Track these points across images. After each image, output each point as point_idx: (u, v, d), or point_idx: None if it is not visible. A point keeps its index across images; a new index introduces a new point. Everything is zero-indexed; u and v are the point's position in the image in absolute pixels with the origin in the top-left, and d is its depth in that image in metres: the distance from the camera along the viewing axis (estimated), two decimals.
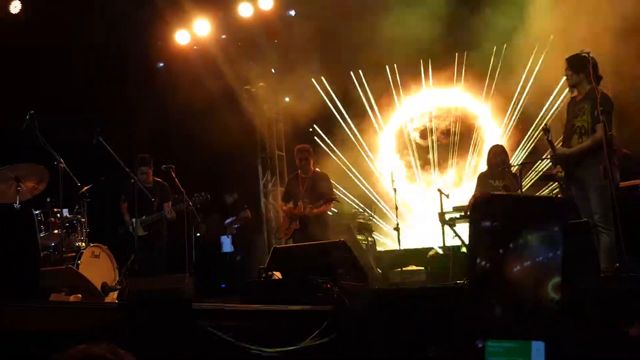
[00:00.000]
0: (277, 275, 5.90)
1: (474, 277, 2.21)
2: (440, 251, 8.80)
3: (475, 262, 2.21)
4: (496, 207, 2.22)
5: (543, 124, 7.68)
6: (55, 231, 7.70)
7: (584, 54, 6.35)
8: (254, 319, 4.75)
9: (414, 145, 11.66)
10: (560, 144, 6.66)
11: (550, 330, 2.16)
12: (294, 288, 5.39)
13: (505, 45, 10.44)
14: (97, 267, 7.56)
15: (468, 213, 7.96)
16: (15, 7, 9.85)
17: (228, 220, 10.60)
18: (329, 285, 5.29)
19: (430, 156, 11.50)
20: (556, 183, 7.35)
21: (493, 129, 11.17)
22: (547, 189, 9.28)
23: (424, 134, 11.63)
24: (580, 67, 6.39)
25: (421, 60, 11.41)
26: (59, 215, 7.69)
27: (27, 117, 7.24)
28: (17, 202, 7.43)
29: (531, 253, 2.21)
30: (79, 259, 7.37)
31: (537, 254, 2.20)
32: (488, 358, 2.12)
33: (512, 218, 2.23)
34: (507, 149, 8.98)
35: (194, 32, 11.27)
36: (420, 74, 11.50)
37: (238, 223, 10.56)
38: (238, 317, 4.67)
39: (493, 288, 2.20)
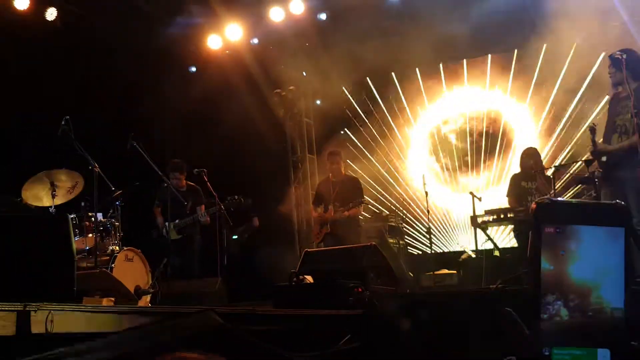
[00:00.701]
0: (308, 279, 5.90)
1: (537, 283, 2.20)
2: (473, 255, 8.76)
3: (539, 268, 2.21)
4: (558, 213, 2.22)
5: (589, 123, 7.60)
6: (90, 235, 7.80)
7: (618, 54, 6.27)
8: (284, 323, 4.76)
9: (447, 147, 11.58)
10: (601, 140, 6.56)
11: (615, 337, 2.17)
12: (325, 292, 5.38)
13: (545, 46, 10.35)
14: (130, 270, 7.64)
15: (502, 216, 7.92)
16: (51, 15, 10.00)
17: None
18: (360, 289, 5.27)
19: (463, 158, 11.41)
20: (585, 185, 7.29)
21: (528, 130, 11.05)
22: (572, 191, 9.15)
23: (457, 135, 11.55)
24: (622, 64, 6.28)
25: (453, 62, 11.37)
26: (93, 219, 7.79)
27: (63, 122, 7.35)
28: (53, 207, 7.57)
29: (594, 258, 2.21)
30: (113, 263, 7.44)
31: (601, 259, 2.21)
32: None
33: (575, 223, 2.24)
34: (542, 150, 8.91)
35: (225, 36, 11.35)
36: (454, 75, 11.45)
37: (246, 233, 10.57)
38: (269, 321, 4.69)
39: (557, 293, 2.20)
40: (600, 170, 6.54)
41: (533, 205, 2.17)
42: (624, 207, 2.22)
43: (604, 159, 6.45)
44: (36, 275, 3.81)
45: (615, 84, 6.53)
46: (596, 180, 6.68)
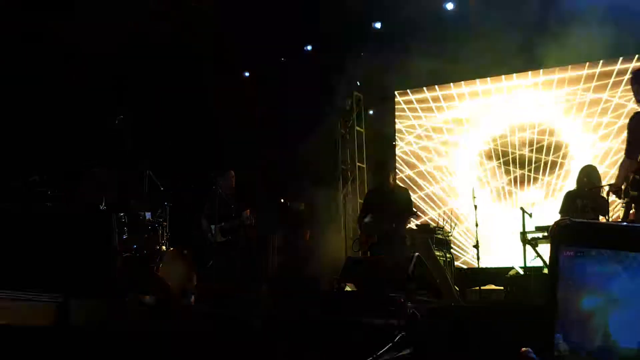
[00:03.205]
0: (350, 286, 5.86)
1: (551, 307, 2.07)
2: (521, 271, 8.58)
3: (554, 295, 2.06)
4: (580, 234, 2.07)
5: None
6: (138, 234, 7.88)
7: None
8: (324, 329, 4.73)
9: (498, 161, 11.41)
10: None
11: None
12: (367, 300, 5.34)
13: (601, 61, 10.14)
14: (176, 270, 7.68)
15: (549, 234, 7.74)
16: None
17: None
18: (402, 300, 5.21)
19: (515, 173, 11.22)
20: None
21: (584, 146, 10.80)
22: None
23: (510, 149, 11.37)
24: None
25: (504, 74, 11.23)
26: (141, 218, 7.87)
27: (117, 121, 7.48)
28: (103, 204, 7.67)
29: (616, 288, 2.04)
30: (159, 262, 7.50)
31: (622, 289, 2.03)
32: None
33: (594, 246, 2.07)
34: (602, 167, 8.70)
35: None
36: (503, 86, 11.31)
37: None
38: (308, 326, 4.67)
39: (568, 321, 2.06)
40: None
41: (553, 226, 2.06)
42: None
43: None
44: (77, 269, 3.86)
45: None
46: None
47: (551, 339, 2.00)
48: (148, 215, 8.02)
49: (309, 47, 11.71)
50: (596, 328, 1.98)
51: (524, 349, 2.14)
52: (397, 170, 11.81)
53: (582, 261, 1.99)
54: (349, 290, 5.78)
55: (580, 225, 2.16)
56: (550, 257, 2.05)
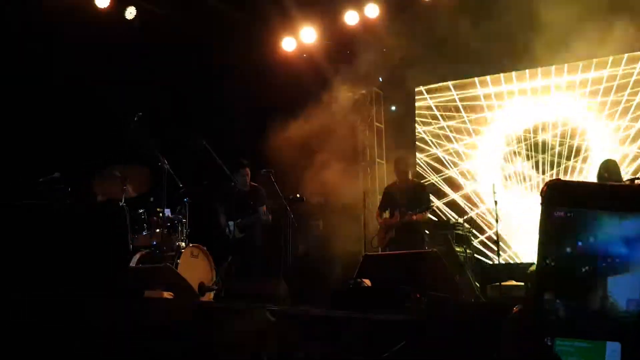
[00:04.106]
0: (367, 282, 5.85)
1: (541, 273, 2.02)
2: None
3: (544, 257, 2.02)
4: (571, 195, 2.00)
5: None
6: (157, 230, 7.94)
7: None
8: (340, 325, 4.72)
9: (519, 156, 11.31)
10: None
11: (628, 331, 1.95)
12: (382, 296, 5.32)
13: (626, 56, 10.01)
14: (195, 267, 7.72)
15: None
16: (130, 14, 10.27)
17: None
18: (418, 295, 5.19)
19: (536, 168, 11.11)
20: None
21: (605, 141, 10.67)
22: None
23: (531, 144, 11.26)
24: None
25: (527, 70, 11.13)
26: (161, 215, 7.92)
27: (135, 118, 7.52)
28: (123, 201, 7.73)
29: (608, 249, 1.98)
30: (178, 259, 7.51)
31: (616, 250, 1.97)
32: None
33: (589, 207, 2.00)
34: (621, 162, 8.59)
35: (300, 39, 11.41)
36: (527, 83, 11.21)
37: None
38: (324, 323, 4.66)
39: (561, 289, 2.01)
40: None
41: (543, 187, 2.00)
42: None
43: None
44: (90, 265, 3.89)
45: None
46: None
47: (541, 301, 1.98)
48: (167, 212, 8.07)
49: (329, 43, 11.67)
50: (593, 290, 1.95)
51: (516, 307, 2.13)
52: (416, 165, 11.77)
53: (573, 222, 1.95)
54: (365, 287, 5.77)
55: (571, 186, 2.11)
56: (541, 218, 2.01)
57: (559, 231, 1.97)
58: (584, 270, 1.96)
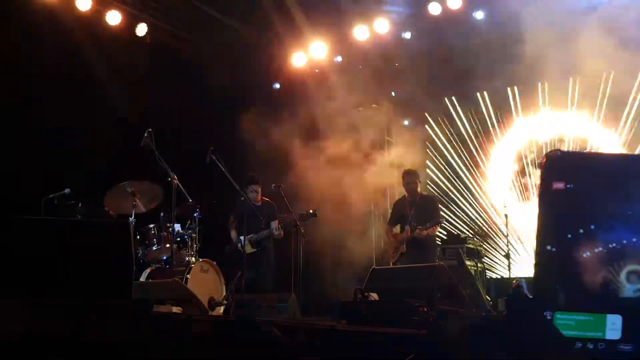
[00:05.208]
0: (374, 296, 5.84)
1: (542, 258, 1.97)
2: None
3: (544, 243, 1.95)
4: (571, 167, 1.92)
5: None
6: (167, 245, 7.96)
7: None
8: (347, 338, 4.73)
9: (529, 170, 11.29)
10: None
11: (629, 304, 1.89)
12: (390, 310, 5.32)
13: None
14: (205, 281, 7.72)
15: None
16: (141, 30, 10.36)
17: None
18: (425, 309, 5.19)
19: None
20: None
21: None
22: None
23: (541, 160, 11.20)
24: None
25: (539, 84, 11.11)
26: (171, 229, 7.95)
27: (145, 134, 7.56)
28: (133, 216, 7.78)
29: (610, 235, 1.91)
30: (188, 273, 7.52)
31: (619, 235, 1.90)
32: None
33: (590, 179, 1.90)
34: None
35: (310, 54, 11.47)
36: (538, 97, 11.19)
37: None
38: (331, 336, 4.67)
39: (561, 273, 1.95)
40: None
41: (543, 159, 1.93)
42: None
43: None
44: (95, 278, 3.92)
45: None
46: None
47: (542, 283, 1.94)
48: (178, 227, 8.10)
49: (339, 59, 11.72)
50: (593, 273, 1.91)
51: (515, 281, 2.11)
52: (427, 179, 11.75)
53: (573, 199, 1.88)
54: (372, 300, 5.77)
55: (572, 157, 2.05)
56: (539, 193, 1.95)
57: (558, 208, 1.88)
58: (585, 255, 1.91)
